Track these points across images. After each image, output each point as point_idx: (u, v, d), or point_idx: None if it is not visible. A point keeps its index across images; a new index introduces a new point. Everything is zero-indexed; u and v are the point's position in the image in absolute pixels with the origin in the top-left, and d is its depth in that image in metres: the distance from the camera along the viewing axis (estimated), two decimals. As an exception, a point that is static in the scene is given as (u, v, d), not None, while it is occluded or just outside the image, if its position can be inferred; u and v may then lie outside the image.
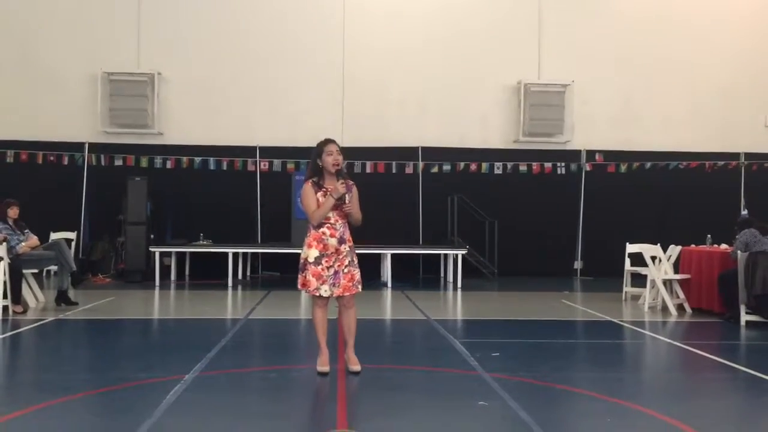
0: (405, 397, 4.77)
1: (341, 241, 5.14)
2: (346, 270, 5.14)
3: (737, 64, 14.45)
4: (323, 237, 5.11)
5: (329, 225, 5.12)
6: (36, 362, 6.12)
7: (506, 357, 6.03)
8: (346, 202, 5.11)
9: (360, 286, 5.23)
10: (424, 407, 4.56)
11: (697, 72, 14.41)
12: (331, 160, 5.11)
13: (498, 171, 14.02)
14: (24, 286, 8.51)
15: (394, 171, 13.84)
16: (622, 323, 8.15)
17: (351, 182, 5.24)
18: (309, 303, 9.80)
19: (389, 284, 11.72)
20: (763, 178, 14.18)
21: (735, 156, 14.42)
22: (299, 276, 5.21)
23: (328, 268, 5.10)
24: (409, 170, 13.96)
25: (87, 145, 13.53)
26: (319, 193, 5.12)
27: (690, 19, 14.43)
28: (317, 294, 5.11)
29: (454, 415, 4.37)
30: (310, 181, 5.18)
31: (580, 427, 4.32)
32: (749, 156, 14.42)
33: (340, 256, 5.13)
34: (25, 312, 8.17)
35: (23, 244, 8.51)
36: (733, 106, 14.44)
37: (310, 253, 5.11)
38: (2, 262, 7.96)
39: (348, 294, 5.16)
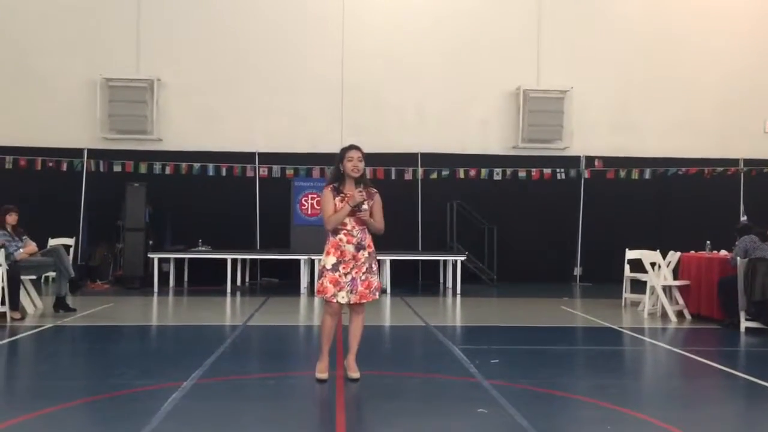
0: (404, 404, 4.75)
1: (359, 247, 5.10)
2: (363, 277, 5.11)
3: (736, 70, 14.46)
4: (340, 244, 5.09)
5: (346, 231, 5.09)
6: (34, 369, 6.09)
7: (505, 364, 6.02)
8: (363, 209, 5.07)
9: (378, 293, 5.24)
10: (423, 414, 4.54)
11: (696, 78, 14.42)
12: (351, 166, 5.10)
13: (497, 177, 14.02)
14: (22, 292, 8.47)
15: (393, 177, 13.82)
16: (621, 330, 8.13)
17: (374, 190, 5.20)
18: (307, 310, 9.83)
19: (388, 290, 11.70)
20: (763, 184, 14.18)
21: (734, 162, 14.43)
22: (317, 283, 5.23)
23: (345, 274, 5.07)
24: (408, 176, 13.96)
25: (86, 151, 13.53)
26: (337, 198, 5.11)
27: (689, 26, 14.45)
28: (334, 300, 5.08)
29: (453, 423, 4.35)
30: (330, 186, 5.17)
31: (580, 434, 4.31)
32: (748, 162, 14.43)
33: (358, 263, 5.10)
34: (23, 318, 8.14)
35: (21, 250, 8.49)
36: (732, 113, 14.46)
37: (328, 260, 5.10)
38: (0, 268, 7.94)
39: (366, 301, 5.16)
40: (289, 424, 4.36)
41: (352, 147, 5.20)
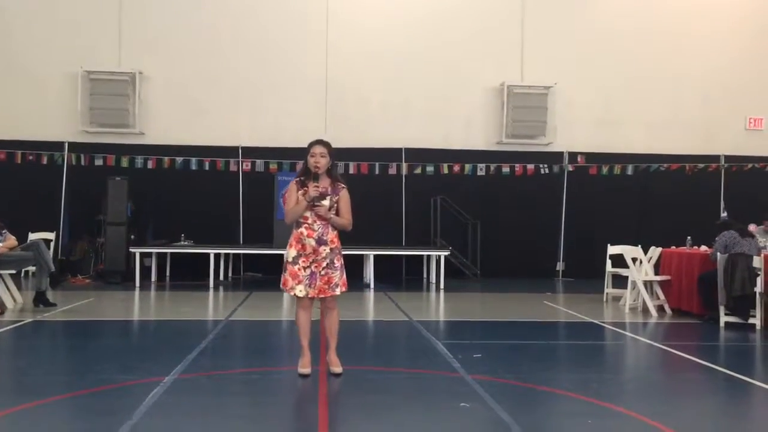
0: (386, 399, 4.75)
1: (320, 242, 5.08)
2: (323, 272, 5.09)
3: (718, 67, 14.60)
4: (301, 237, 5.09)
5: (307, 225, 5.08)
6: (13, 364, 6.02)
7: (488, 358, 6.04)
8: (320, 204, 5.01)
9: (339, 289, 5.14)
10: (406, 409, 4.54)
11: (678, 74, 14.54)
12: (312, 161, 5.08)
13: (481, 172, 14.06)
14: (1, 287, 8.40)
15: (377, 172, 13.82)
16: (603, 324, 8.19)
17: (341, 186, 5.16)
18: (291, 304, 9.79)
19: (372, 285, 11.70)
20: (743, 180, 14.34)
21: (715, 158, 14.57)
22: (282, 275, 5.20)
23: (304, 268, 5.07)
24: (392, 171, 13.96)
25: (67, 145, 13.40)
26: (300, 192, 5.11)
27: (672, 22, 14.56)
28: (292, 293, 5.10)
29: (435, 417, 4.36)
30: (296, 179, 5.18)
31: (562, 428, 4.33)
32: (729, 158, 14.58)
33: (318, 258, 5.08)
34: (2, 313, 8.06)
35: (1, 245, 8.40)
36: (714, 109, 14.60)
37: (289, 253, 5.11)
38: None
39: (324, 296, 5.13)
40: (272, 419, 4.35)
41: (316, 142, 5.14)
